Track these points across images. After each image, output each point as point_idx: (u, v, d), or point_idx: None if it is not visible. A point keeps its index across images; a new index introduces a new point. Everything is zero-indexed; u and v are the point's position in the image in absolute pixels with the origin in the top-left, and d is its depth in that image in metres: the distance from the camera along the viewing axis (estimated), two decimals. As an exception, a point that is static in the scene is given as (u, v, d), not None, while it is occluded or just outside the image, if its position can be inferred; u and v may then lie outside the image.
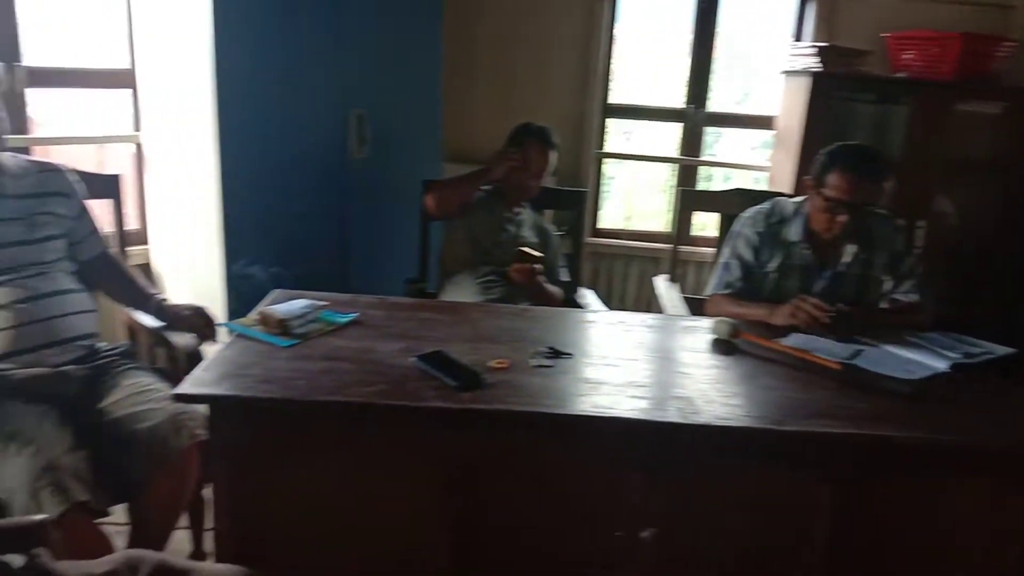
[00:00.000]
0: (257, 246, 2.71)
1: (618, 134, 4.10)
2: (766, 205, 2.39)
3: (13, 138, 2.71)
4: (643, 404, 1.59)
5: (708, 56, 3.82)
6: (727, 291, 2.35)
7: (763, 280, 2.33)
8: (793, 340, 1.98)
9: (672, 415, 1.54)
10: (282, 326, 1.79)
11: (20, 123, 2.85)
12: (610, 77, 3.81)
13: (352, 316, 1.94)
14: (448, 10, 3.11)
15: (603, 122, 3.86)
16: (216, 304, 2.68)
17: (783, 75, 3.66)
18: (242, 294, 2.63)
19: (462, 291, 2.59)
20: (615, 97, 3.86)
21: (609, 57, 3.78)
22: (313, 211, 2.84)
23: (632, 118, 4.02)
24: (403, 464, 1.59)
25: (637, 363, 1.83)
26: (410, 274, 2.82)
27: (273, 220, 2.73)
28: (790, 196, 2.48)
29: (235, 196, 2.63)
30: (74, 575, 1.29)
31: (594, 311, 2.59)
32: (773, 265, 2.32)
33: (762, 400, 1.66)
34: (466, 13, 3.55)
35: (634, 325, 2.13)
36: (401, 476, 1.59)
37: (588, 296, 2.88)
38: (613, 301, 3.83)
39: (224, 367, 1.60)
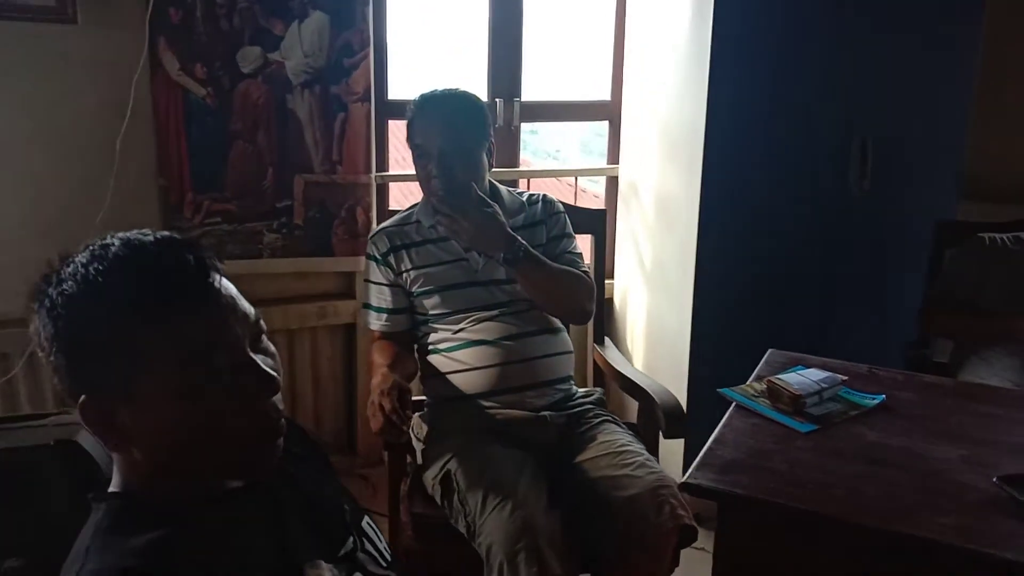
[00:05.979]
0: (727, 285, 2.41)
1: None
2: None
3: (505, 171, 2.81)
4: None
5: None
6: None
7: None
8: None
9: None
10: (795, 403, 1.44)
11: (513, 157, 2.93)
12: None
13: (879, 398, 1.51)
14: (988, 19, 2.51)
15: None
16: (679, 352, 2.44)
17: None
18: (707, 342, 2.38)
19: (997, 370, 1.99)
20: None
21: None
22: (797, 252, 2.47)
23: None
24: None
25: None
26: (905, 335, 2.31)
27: (747, 263, 2.42)
28: None
29: (711, 233, 2.37)
30: None
31: None
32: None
33: None
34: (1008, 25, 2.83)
35: None
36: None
37: None
38: None
39: (736, 452, 1.30)
